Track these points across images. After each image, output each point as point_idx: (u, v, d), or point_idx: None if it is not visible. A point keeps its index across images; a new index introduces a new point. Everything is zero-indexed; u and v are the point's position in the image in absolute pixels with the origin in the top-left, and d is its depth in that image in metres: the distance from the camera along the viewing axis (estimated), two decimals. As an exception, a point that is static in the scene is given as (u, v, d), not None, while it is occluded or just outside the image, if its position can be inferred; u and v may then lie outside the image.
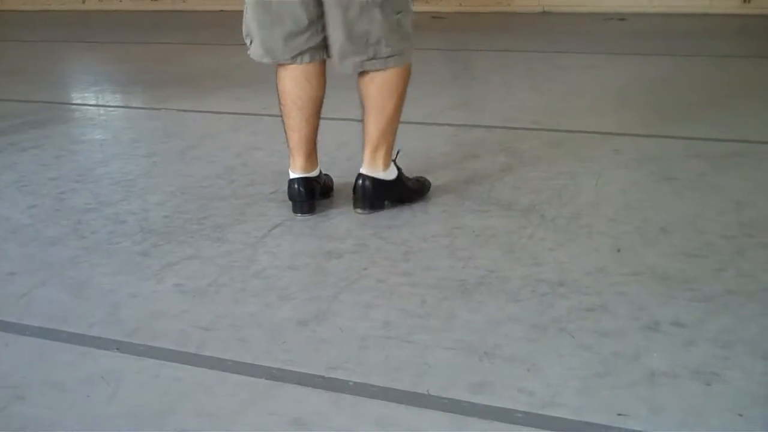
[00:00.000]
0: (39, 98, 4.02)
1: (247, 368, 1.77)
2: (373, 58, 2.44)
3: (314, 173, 2.63)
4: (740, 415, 1.55)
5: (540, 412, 1.57)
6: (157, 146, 3.47)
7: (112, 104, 4.35)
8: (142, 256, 2.33)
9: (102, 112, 4.02)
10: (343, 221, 2.54)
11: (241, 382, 1.72)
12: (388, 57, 2.44)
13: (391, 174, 2.60)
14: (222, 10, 7.37)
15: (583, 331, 1.84)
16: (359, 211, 2.60)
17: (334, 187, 2.78)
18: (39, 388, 1.72)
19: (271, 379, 1.71)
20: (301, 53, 2.49)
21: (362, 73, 2.51)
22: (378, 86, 2.51)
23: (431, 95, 3.77)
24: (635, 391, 1.63)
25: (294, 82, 2.54)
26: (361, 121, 2.61)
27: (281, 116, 2.62)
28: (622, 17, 6.20)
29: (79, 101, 4.15)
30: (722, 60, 4.69)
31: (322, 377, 1.71)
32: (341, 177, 2.91)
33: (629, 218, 2.46)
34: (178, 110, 4.07)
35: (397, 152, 2.65)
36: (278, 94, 2.59)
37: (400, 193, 2.63)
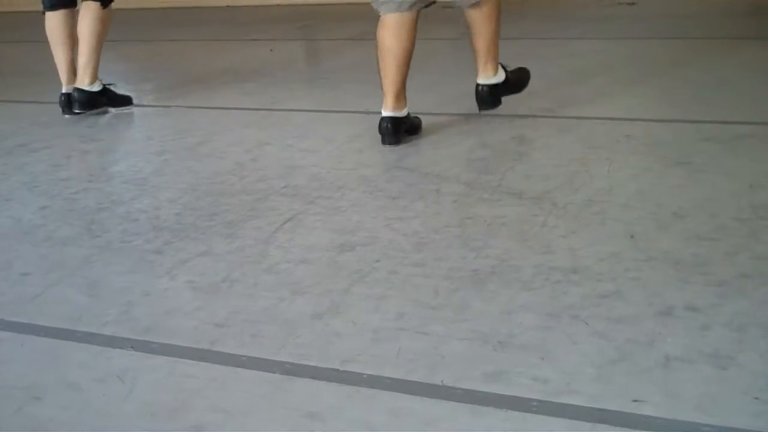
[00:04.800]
0: (48, 99, 4.02)
1: (261, 363, 1.77)
2: None
3: (401, 113, 3.16)
4: (756, 398, 1.54)
5: (555, 400, 1.57)
6: (167, 144, 3.48)
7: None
8: (155, 254, 2.34)
9: (112, 110, 4.02)
10: (354, 214, 2.54)
11: (255, 377, 1.72)
12: None
13: (500, 77, 3.26)
14: (229, 6, 7.37)
15: (597, 318, 1.83)
16: (482, 112, 3.30)
17: (344, 180, 2.79)
18: (55, 388, 1.73)
19: (285, 374, 1.71)
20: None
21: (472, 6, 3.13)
22: (484, 13, 3.13)
23: (441, 84, 3.76)
24: (650, 376, 1.62)
25: (391, 33, 3.08)
26: (470, 42, 3.23)
27: (377, 62, 3.14)
28: (632, 1, 6.15)
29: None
30: (733, 42, 4.65)
31: (336, 370, 1.71)
32: (352, 169, 2.92)
33: (642, 204, 2.45)
34: (188, 107, 4.07)
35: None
36: (377, 43, 3.14)
37: (511, 88, 3.31)
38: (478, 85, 3.27)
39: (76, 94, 3.87)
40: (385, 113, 3.15)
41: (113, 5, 3.83)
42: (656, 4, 6.04)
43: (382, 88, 3.14)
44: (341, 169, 2.95)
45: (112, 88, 4.04)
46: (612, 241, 2.22)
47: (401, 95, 3.15)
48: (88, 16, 3.77)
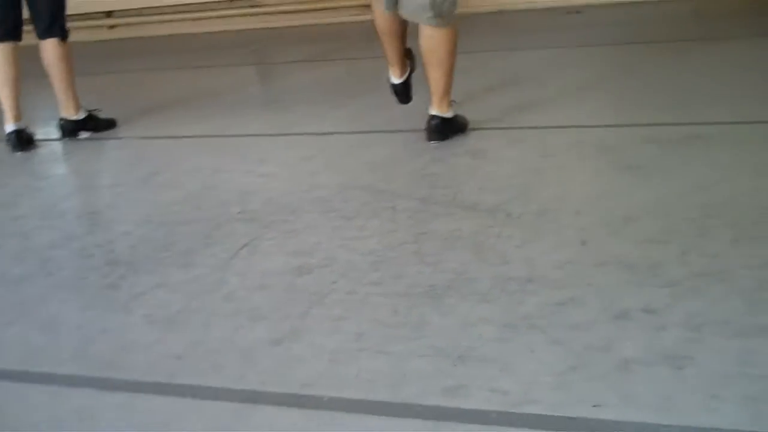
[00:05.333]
0: (-2, 138, 3.98)
1: (222, 393, 1.76)
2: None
3: (406, 77, 3.52)
4: (714, 396, 1.56)
5: (515, 411, 1.58)
6: (121, 176, 3.46)
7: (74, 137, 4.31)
8: (110, 289, 2.32)
9: (65, 145, 4.00)
10: (311, 236, 2.53)
11: (216, 407, 1.72)
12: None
13: (452, 113, 3.35)
14: (179, 34, 7.35)
15: (554, 326, 1.85)
16: (431, 143, 3.31)
17: (299, 202, 2.79)
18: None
19: (247, 402, 1.71)
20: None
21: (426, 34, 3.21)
22: (437, 43, 3.20)
23: (392, 102, 3.78)
24: (609, 381, 1.64)
25: (383, 19, 3.35)
26: (424, 73, 3.29)
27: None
28: (578, 10, 6.22)
29: (41, 136, 4.11)
30: (676, 45, 4.71)
31: (297, 395, 1.71)
32: (307, 191, 2.92)
33: (593, 210, 2.48)
34: (141, 137, 4.05)
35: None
36: (376, 28, 3.44)
37: (457, 127, 3.37)
38: (430, 116, 3.31)
39: (63, 124, 4.03)
40: (395, 80, 3.53)
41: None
42: (602, 13, 6.11)
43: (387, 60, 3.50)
44: (296, 191, 2.95)
45: (95, 113, 4.15)
46: (566, 248, 2.24)
47: (404, 63, 3.50)
48: (52, 53, 3.87)
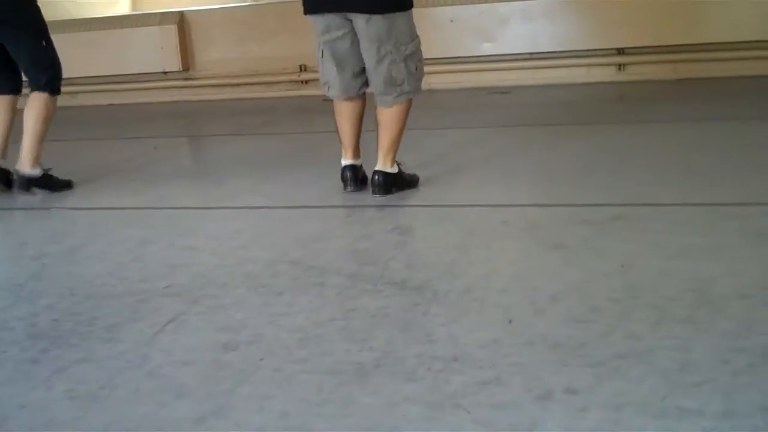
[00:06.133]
0: None
1: (143, 473, 1.73)
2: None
3: (359, 162, 3.72)
4: (633, 477, 1.58)
5: (439, 492, 1.58)
6: (46, 247, 3.40)
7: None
8: (31, 364, 2.27)
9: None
10: (239, 311, 2.52)
11: (136, 488, 1.68)
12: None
13: (395, 169, 3.63)
14: (111, 104, 7.34)
15: (478, 406, 1.86)
16: (376, 196, 3.58)
17: (227, 276, 2.78)
18: None
19: (168, 482, 1.68)
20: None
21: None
22: (394, 114, 3.57)
23: (323, 178, 3.82)
24: (532, 462, 1.65)
25: (342, 104, 3.68)
26: (376, 135, 3.61)
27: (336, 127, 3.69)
28: (505, 91, 6.40)
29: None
30: (601, 127, 4.88)
31: (220, 475, 1.68)
32: (236, 266, 2.91)
33: (519, 288, 2.52)
34: (70, 208, 4.01)
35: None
36: (335, 113, 3.71)
37: (400, 183, 3.65)
38: (375, 171, 3.59)
39: (16, 177, 4.12)
40: (346, 162, 3.70)
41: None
42: (529, 93, 6.30)
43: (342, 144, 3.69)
44: (225, 266, 2.94)
45: (52, 173, 4.22)
46: (491, 327, 2.26)
47: (357, 148, 3.72)
48: (35, 104, 4.08)
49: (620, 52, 6.61)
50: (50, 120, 4.16)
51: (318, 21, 3.55)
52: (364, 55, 3.54)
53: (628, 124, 4.93)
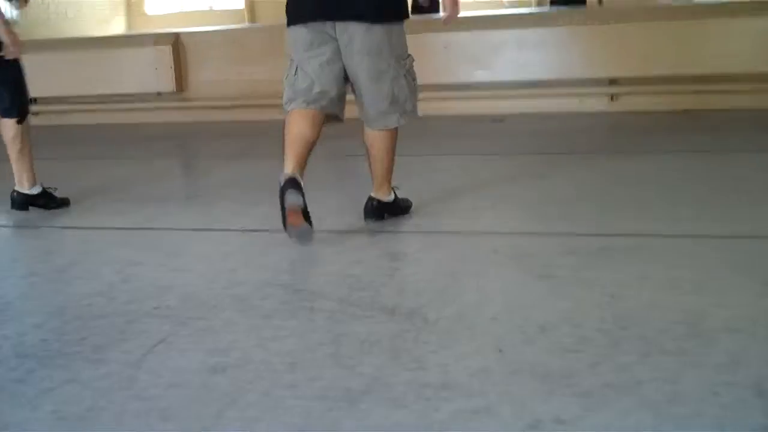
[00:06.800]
0: None
1: (128, 496, 1.71)
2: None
3: (299, 174, 3.28)
4: None
5: None
6: (35, 266, 3.39)
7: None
8: (17, 383, 2.25)
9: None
10: (228, 334, 2.51)
11: None
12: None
13: (390, 197, 3.61)
14: (103, 123, 7.34)
15: (467, 434, 1.86)
16: (369, 221, 3.56)
17: (217, 299, 2.77)
18: None
19: (153, 506, 1.67)
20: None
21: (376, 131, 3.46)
22: (384, 142, 3.46)
23: (314, 202, 3.82)
24: (520, 492, 1.65)
25: (300, 117, 3.38)
26: (368, 164, 3.55)
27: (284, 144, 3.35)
28: (500, 119, 6.42)
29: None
30: (593, 156, 4.90)
31: (205, 500, 1.67)
32: (226, 288, 2.90)
33: (509, 317, 2.52)
34: (59, 227, 4.00)
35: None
36: (287, 130, 3.39)
37: (395, 210, 3.62)
38: (370, 197, 3.56)
39: (15, 196, 4.22)
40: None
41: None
42: (523, 122, 6.32)
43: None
44: (214, 288, 2.93)
45: (51, 191, 4.31)
46: (481, 355, 2.26)
47: (304, 160, 3.34)
48: (7, 132, 4.15)
49: (612, 82, 6.66)
50: (28, 140, 4.21)
51: (302, 34, 3.31)
52: (357, 73, 3.31)
53: (618, 154, 4.95)
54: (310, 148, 3.34)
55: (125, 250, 3.49)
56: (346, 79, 3.40)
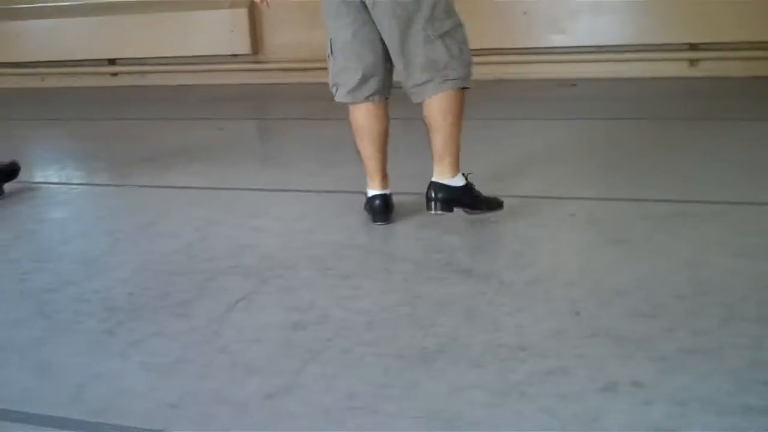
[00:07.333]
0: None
1: (214, 444, 1.78)
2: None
3: (389, 191, 3.18)
4: (697, 472, 1.59)
5: (504, 477, 1.61)
6: (119, 223, 3.49)
7: (73, 182, 4.37)
8: (107, 335, 2.35)
9: (63, 189, 4.05)
10: (307, 293, 2.57)
11: (208, 458, 1.73)
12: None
13: (458, 181, 3.02)
14: (180, 85, 7.45)
15: (543, 395, 1.88)
16: (432, 212, 3.05)
17: (295, 258, 2.84)
18: (6, 472, 1.72)
19: (238, 455, 1.73)
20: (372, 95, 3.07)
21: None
22: (440, 108, 2.98)
23: (390, 164, 3.85)
24: (596, 452, 1.67)
25: (362, 113, 3.11)
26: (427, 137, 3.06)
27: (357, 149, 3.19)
28: (573, 83, 6.35)
29: (40, 179, 4.17)
30: (668, 122, 4.83)
31: (289, 451, 1.73)
32: (303, 248, 2.96)
33: (584, 281, 2.53)
34: (139, 186, 4.09)
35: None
36: (352, 131, 3.16)
37: (468, 199, 3.05)
38: (431, 182, 3.05)
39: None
40: (373, 192, 3.20)
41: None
42: (595, 87, 6.24)
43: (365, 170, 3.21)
44: (292, 248, 2.99)
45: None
46: (557, 318, 2.28)
47: (386, 174, 3.21)
48: None
49: (693, 47, 6.52)
50: None
51: (330, 1, 3.06)
52: (388, 40, 2.97)
53: (695, 120, 4.87)
54: (384, 141, 3.18)
55: (203, 210, 3.57)
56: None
